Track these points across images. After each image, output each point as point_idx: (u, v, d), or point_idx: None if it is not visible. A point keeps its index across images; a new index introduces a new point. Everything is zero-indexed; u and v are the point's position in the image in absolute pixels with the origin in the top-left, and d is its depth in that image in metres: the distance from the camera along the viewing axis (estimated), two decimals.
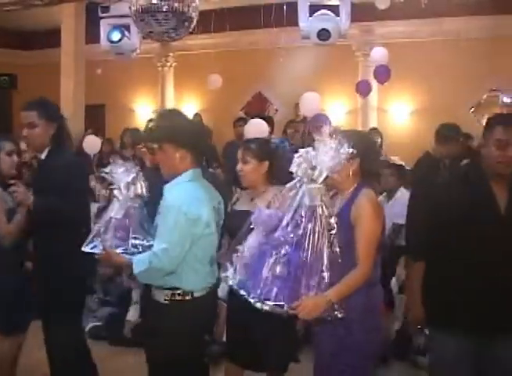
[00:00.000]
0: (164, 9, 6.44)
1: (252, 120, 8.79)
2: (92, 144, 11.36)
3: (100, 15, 9.27)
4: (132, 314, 6.52)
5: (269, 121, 9.30)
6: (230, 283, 3.42)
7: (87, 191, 4.81)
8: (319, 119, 9.37)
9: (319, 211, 3.30)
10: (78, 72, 14.41)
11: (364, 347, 3.74)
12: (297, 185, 3.39)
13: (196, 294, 3.88)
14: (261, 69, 13.93)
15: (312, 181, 3.34)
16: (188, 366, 3.94)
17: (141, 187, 3.97)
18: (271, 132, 9.21)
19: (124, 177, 3.95)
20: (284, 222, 3.29)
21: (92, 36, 13.15)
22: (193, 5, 6.75)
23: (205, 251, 3.90)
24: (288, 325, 4.43)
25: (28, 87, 15.94)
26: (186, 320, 3.86)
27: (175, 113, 4.15)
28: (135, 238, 3.91)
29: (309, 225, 3.27)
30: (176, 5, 6.48)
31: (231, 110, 14.13)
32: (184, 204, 3.72)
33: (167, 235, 3.71)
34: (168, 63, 15.76)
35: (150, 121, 5.25)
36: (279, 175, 4.41)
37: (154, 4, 6.48)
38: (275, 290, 3.22)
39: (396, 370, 6.13)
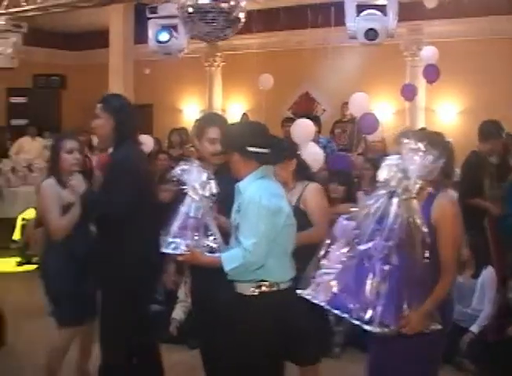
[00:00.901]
0: (212, 10, 6.47)
1: (299, 120, 8.79)
2: (144, 143, 11.45)
3: (148, 15, 9.35)
4: (178, 312, 6.56)
5: (316, 120, 9.29)
6: (314, 301, 3.38)
7: (150, 188, 4.71)
8: (368, 119, 9.34)
9: (414, 221, 3.23)
10: (126, 72, 14.55)
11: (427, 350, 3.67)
12: (385, 194, 3.29)
13: (282, 286, 3.92)
14: (308, 69, 13.91)
15: (407, 191, 3.25)
16: (265, 363, 3.96)
17: (214, 186, 4.00)
18: (318, 132, 9.20)
19: (198, 177, 3.98)
20: (368, 233, 3.22)
21: (140, 36, 13.26)
22: (241, 5, 6.77)
23: (288, 241, 3.97)
24: (322, 317, 4.47)
25: (77, 87, 16.19)
26: (271, 313, 3.89)
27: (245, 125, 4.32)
28: (211, 237, 3.94)
29: (404, 237, 3.19)
30: (224, 5, 6.51)
31: (278, 110, 14.14)
32: (263, 198, 3.79)
33: (253, 230, 3.76)
34: (216, 63, 15.83)
35: (198, 120, 5.29)
36: (303, 171, 4.74)
37: (202, 4, 6.52)
38: (379, 309, 3.15)
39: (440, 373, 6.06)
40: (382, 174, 3.27)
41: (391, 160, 3.30)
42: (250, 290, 3.91)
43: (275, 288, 3.90)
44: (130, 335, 4.54)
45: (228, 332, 4.08)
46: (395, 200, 3.22)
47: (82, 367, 5.19)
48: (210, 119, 4.71)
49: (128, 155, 4.45)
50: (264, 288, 3.89)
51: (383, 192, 3.26)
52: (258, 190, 3.85)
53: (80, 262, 4.74)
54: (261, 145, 3.95)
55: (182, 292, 6.55)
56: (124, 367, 4.60)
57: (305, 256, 3.68)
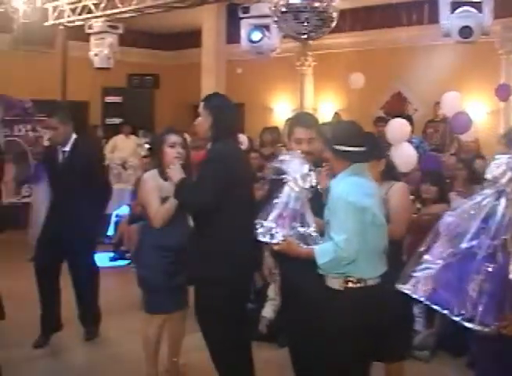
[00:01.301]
0: (305, 9, 6.48)
1: (394, 120, 8.71)
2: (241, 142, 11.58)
3: (240, 15, 9.44)
4: (267, 310, 6.58)
5: (409, 120, 9.19)
6: (414, 296, 3.36)
7: (246, 186, 4.70)
8: (460, 119, 9.18)
9: None
10: (219, 71, 14.70)
11: None
12: (493, 193, 3.17)
13: (369, 282, 3.93)
14: (400, 68, 13.74)
15: None
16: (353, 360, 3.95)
17: (314, 179, 4.03)
18: (411, 132, 9.10)
19: (299, 168, 4.02)
20: (473, 231, 3.17)
21: (232, 36, 13.39)
22: (333, 4, 6.76)
23: (377, 241, 3.97)
24: (407, 314, 4.45)
25: (170, 86, 16.44)
26: (357, 308, 3.89)
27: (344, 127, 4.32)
28: (308, 228, 3.97)
29: (508, 236, 3.10)
30: (317, 4, 6.51)
31: (370, 109, 14.03)
32: (350, 195, 3.82)
33: (342, 226, 3.80)
34: (307, 62, 15.79)
35: (288, 119, 5.32)
36: (390, 171, 4.72)
37: (295, 4, 6.54)
38: (480, 308, 3.10)
39: None
40: (491, 172, 3.20)
41: (501, 158, 3.22)
42: (338, 284, 3.92)
43: (361, 284, 3.90)
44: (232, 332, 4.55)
45: (316, 329, 4.09)
46: (503, 200, 3.14)
47: (170, 360, 5.27)
48: (298, 119, 4.74)
49: (222, 152, 4.47)
50: (350, 284, 3.90)
51: (490, 191, 3.19)
52: (347, 187, 3.88)
53: (172, 255, 4.83)
54: (352, 144, 3.97)
55: (272, 290, 6.56)
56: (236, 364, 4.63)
57: None
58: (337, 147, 3.95)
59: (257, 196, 8.42)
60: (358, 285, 3.90)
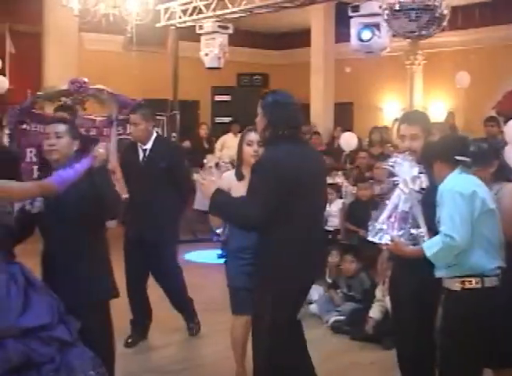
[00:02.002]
0: (417, 7, 6.40)
1: None
2: (349, 141, 11.56)
3: (350, 14, 9.40)
4: (374, 311, 6.53)
5: None
6: None
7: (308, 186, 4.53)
8: None
9: None
10: (327, 71, 14.72)
11: None
12: None
13: (487, 283, 3.87)
14: None
15: None
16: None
17: (425, 181, 4.01)
18: None
19: (409, 170, 4.01)
20: None
21: (341, 35, 13.36)
22: (445, 1, 6.65)
23: (490, 230, 3.93)
24: None
25: (279, 86, 16.49)
26: (474, 311, 3.84)
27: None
28: (417, 229, 3.96)
29: None
30: (429, 2, 6.42)
31: (481, 108, 13.70)
32: (456, 185, 3.85)
33: (451, 215, 3.80)
34: (417, 61, 15.54)
35: (396, 120, 5.24)
36: (502, 172, 4.51)
37: (406, 1, 6.46)
38: None
39: None
40: None
41: None
42: (454, 285, 3.88)
43: (479, 285, 3.84)
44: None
45: (424, 332, 4.05)
46: None
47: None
48: (404, 116, 4.73)
49: (273, 158, 4.18)
50: (468, 285, 3.84)
51: None
52: (452, 180, 3.92)
53: (252, 257, 4.78)
54: (461, 154, 3.98)
55: (380, 291, 6.52)
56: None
57: None
58: (448, 158, 3.98)
59: (365, 195, 8.45)
60: (476, 286, 3.84)
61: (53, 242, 4.27)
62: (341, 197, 9.04)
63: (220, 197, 4.17)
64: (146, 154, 6.04)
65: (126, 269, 6.10)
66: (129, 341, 6.11)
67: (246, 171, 4.65)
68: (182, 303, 6.40)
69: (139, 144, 6.07)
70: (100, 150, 4.36)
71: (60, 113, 6.40)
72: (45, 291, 3.90)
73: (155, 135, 6.17)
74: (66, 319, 3.88)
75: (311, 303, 7.05)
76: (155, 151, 6.04)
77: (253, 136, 4.87)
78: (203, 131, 13.29)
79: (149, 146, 6.04)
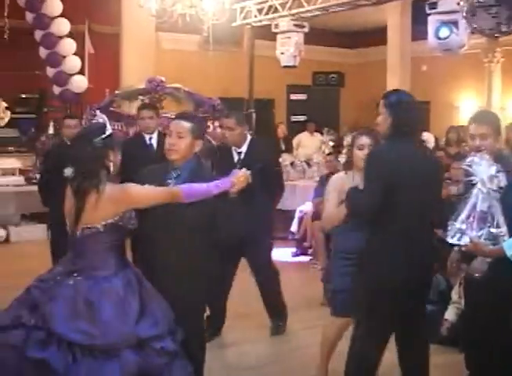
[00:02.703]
0: (496, 3, 6.27)
1: None
2: (426, 140, 11.41)
3: (427, 11, 9.28)
4: (450, 313, 6.43)
5: None
6: None
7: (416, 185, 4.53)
8: None
9: None
10: (403, 69, 14.56)
11: None
12: None
13: None
14: None
15: None
16: None
17: (503, 180, 3.96)
18: None
19: (487, 170, 3.96)
20: None
21: (418, 33, 13.19)
22: None
23: None
24: None
25: (355, 84, 16.44)
26: None
27: None
28: (496, 229, 3.91)
29: None
30: None
31: None
32: None
33: None
34: (495, 59, 15.24)
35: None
36: None
37: None
38: None
39: None
40: None
41: None
42: None
43: None
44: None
45: (499, 336, 4.00)
46: None
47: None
48: (473, 116, 4.66)
49: (382, 151, 4.32)
50: None
51: None
52: None
53: (354, 258, 4.76)
54: None
55: (456, 293, 6.42)
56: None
57: None
58: None
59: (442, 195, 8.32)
60: None
61: (163, 248, 4.15)
62: None
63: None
64: (241, 157, 6.07)
65: None
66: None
67: (358, 176, 4.65)
68: (274, 301, 6.45)
69: (234, 147, 6.11)
70: (241, 176, 4.23)
71: (146, 111, 6.49)
72: (158, 297, 3.84)
73: (249, 137, 6.20)
74: (174, 329, 3.82)
75: None
76: (250, 154, 6.07)
77: (364, 140, 4.82)
78: (281, 130, 13.28)
79: (244, 148, 6.08)
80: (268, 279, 6.38)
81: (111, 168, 3.78)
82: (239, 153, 6.09)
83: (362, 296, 4.32)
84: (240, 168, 6.00)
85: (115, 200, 3.69)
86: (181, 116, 4.38)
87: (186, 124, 4.15)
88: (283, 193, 6.59)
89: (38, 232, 10.78)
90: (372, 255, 4.32)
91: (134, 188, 3.80)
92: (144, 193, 3.84)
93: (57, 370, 3.43)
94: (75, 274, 3.71)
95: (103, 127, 3.80)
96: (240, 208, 6.01)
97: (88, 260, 3.74)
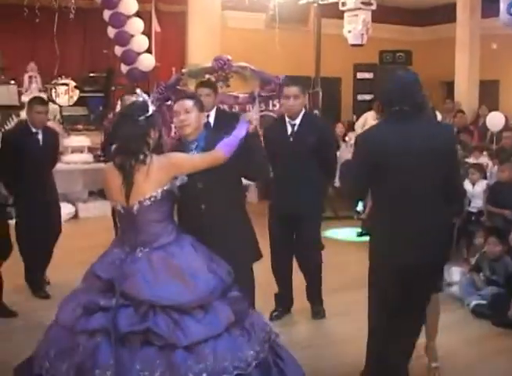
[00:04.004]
0: None
1: None
2: (496, 120, 11.23)
3: None
4: None
5: None
6: None
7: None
8: None
9: None
10: (473, 47, 14.27)
11: None
12: None
13: None
14: None
15: None
16: None
17: None
18: None
19: None
20: None
21: (488, 10, 12.93)
22: None
23: None
24: None
25: (423, 63, 16.15)
26: None
27: None
28: None
29: None
30: None
31: None
32: None
33: None
34: None
35: None
36: None
37: None
38: None
39: None
40: None
41: None
42: None
43: None
44: None
45: None
46: None
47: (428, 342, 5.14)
48: None
49: (370, 132, 4.37)
50: None
51: None
52: None
53: None
54: None
55: None
56: None
57: None
58: None
59: (503, 177, 8.15)
60: None
61: (209, 205, 4.41)
62: (486, 178, 8.78)
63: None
64: (295, 129, 6.02)
65: (271, 245, 6.18)
66: (274, 314, 6.20)
67: None
68: (316, 280, 6.37)
69: (288, 120, 6.07)
70: (250, 114, 4.59)
71: (202, 89, 6.51)
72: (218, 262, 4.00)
73: (303, 111, 6.12)
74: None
75: (451, 285, 6.92)
76: (304, 126, 6.01)
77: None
78: (339, 130, 13.14)
79: (298, 121, 6.02)
80: (312, 256, 6.26)
81: (151, 145, 3.94)
82: (293, 125, 6.04)
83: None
84: (293, 142, 6.04)
85: (165, 168, 3.90)
86: (182, 97, 4.67)
87: (190, 101, 4.45)
88: (334, 171, 6.47)
89: (105, 208, 10.98)
90: (372, 232, 4.37)
91: (179, 155, 4.12)
92: (190, 159, 4.17)
93: (162, 334, 3.54)
94: (138, 249, 3.85)
95: (146, 105, 4.00)
96: (290, 184, 6.03)
97: (150, 232, 3.88)
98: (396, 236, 4.10)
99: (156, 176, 3.85)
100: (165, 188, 3.89)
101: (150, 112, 3.97)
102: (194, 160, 4.17)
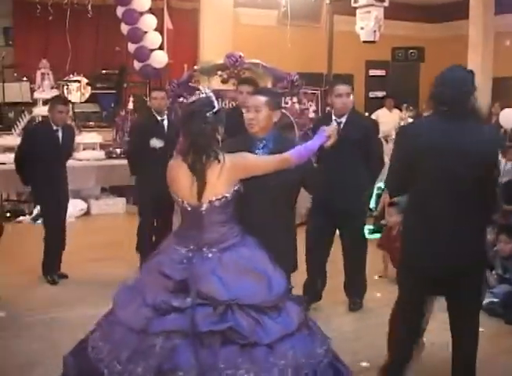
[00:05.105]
0: None
1: None
2: (509, 117, 11.18)
3: None
4: None
5: None
6: None
7: None
8: None
9: None
10: (486, 44, 14.22)
11: None
12: None
13: None
14: None
15: None
16: None
17: None
18: None
19: None
20: None
21: (501, 6, 12.87)
22: None
23: None
24: None
25: (435, 59, 16.09)
26: None
27: None
28: None
29: None
30: None
31: None
32: None
33: None
34: None
35: None
36: None
37: None
38: None
39: None
40: None
41: None
42: None
43: None
44: None
45: None
46: None
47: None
48: None
49: (410, 125, 4.62)
50: None
51: None
52: None
53: None
54: None
55: None
56: None
57: None
58: None
59: None
60: None
61: (257, 213, 4.24)
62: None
63: None
64: (341, 126, 6.00)
65: (309, 235, 6.22)
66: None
67: None
68: (357, 276, 6.44)
69: (334, 117, 6.10)
70: (331, 128, 4.33)
71: (243, 86, 6.54)
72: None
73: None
74: None
75: None
76: (350, 124, 6.05)
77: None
78: None
79: (344, 119, 6.06)
80: (360, 253, 6.37)
81: (220, 141, 3.87)
82: (339, 123, 6.02)
83: None
84: (339, 139, 6.00)
85: (237, 168, 3.81)
86: (257, 91, 4.55)
87: (262, 98, 4.29)
88: (382, 166, 6.46)
89: (117, 205, 11.04)
90: (403, 231, 4.35)
91: (251, 156, 3.99)
92: (260, 161, 4.04)
93: (245, 333, 3.52)
94: (205, 248, 3.79)
95: (212, 101, 3.88)
96: (335, 180, 6.05)
97: (217, 231, 3.83)
98: (427, 236, 4.05)
99: (230, 176, 3.77)
100: (235, 188, 3.82)
101: (217, 107, 3.87)
102: (266, 163, 4.01)
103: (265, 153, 4.23)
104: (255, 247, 3.88)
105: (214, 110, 3.83)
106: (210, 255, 3.76)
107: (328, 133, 4.23)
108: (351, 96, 6.09)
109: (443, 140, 3.94)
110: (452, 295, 4.24)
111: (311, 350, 3.69)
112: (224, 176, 3.74)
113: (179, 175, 3.83)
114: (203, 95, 3.91)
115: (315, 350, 3.71)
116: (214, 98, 3.90)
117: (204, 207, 3.77)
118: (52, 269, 7.14)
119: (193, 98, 3.94)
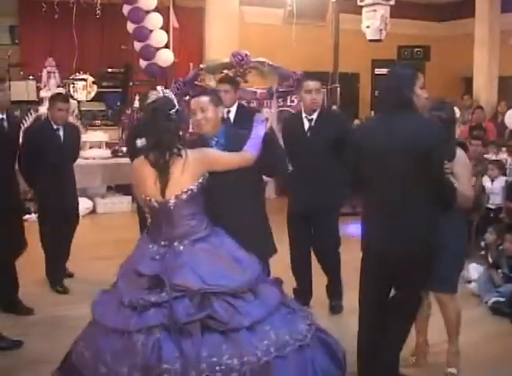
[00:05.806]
0: None
1: None
2: None
3: None
4: None
5: None
6: None
7: None
8: None
9: None
10: (492, 43, 14.17)
11: None
12: None
13: None
14: None
15: None
16: None
17: None
18: None
19: None
20: None
21: (508, 5, 12.83)
22: None
23: None
24: None
25: (441, 58, 16.08)
26: None
27: None
28: None
29: None
30: None
31: None
32: None
33: None
34: None
35: None
36: None
37: None
38: None
39: None
40: None
41: None
42: None
43: None
44: None
45: None
46: None
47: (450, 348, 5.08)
48: None
49: (359, 127, 4.58)
50: None
51: None
52: None
53: None
54: None
55: None
56: None
57: None
58: None
59: None
60: None
61: (229, 201, 4.31)
62: (505, 174, 8.73)
63: None
64: (312, 124, 6.00)
65: (290, 240, 6.20)
66: None
67: None
68: (335, 279, 6.36)
69: (305, 115, 6.05)
70: (264, 112, 4.49)
71: (221, 85, 6.49)
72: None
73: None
74: None
75: (470, 282, 6.89)
76: (321, 121, 6.00)
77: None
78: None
79: (314, 116, 6.00)
80: (331, 249, 6.26)
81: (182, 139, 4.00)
82: (310, 121, 6.01)
83: None
84: (311, 137, 6.01)
85: (200, 162, 3.95)
86: (196, 94, 4.60)
87: (205, 98, 4.37)
88: None
89: (123, 203, 11.04)
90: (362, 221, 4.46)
91: (213, 151, 4.19)
92: (222, 157, 4.16)
93: (223, 320, 3.62)
94: (177, 242, 3.89)
95: (172, 100, 4.03)
96: (309, 179, 6.01)
97: (187, 225, 3.93)
98: (376, 225, 4.25)
99: (193, 169, 3.90)
100: (200, 181, 3.94)
101: (177, 106, 4.01)
102: (226, 158, 4.15)
103: (220, 149, 4.30)
104: (225, 236, 4.00)
105: (176, 109, 3.97)
106: (181, 248, 3.87)
107: (263, 117, 4.39)
108: (323, 93, 6.05)
109: (377, 137, 4.15)
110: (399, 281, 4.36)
111: (294, 327, 3.81)
112: (188, 171, 3.87)
113: (144, 173, 3.93)
114: (162, 95, 4.06)
115: (297, 327, 3.83)
116: (173, 97, 4.06)
117: (172, 202, 3.89)
118: (58, 279, 6.86)
119: (153, 97, 4.09)
